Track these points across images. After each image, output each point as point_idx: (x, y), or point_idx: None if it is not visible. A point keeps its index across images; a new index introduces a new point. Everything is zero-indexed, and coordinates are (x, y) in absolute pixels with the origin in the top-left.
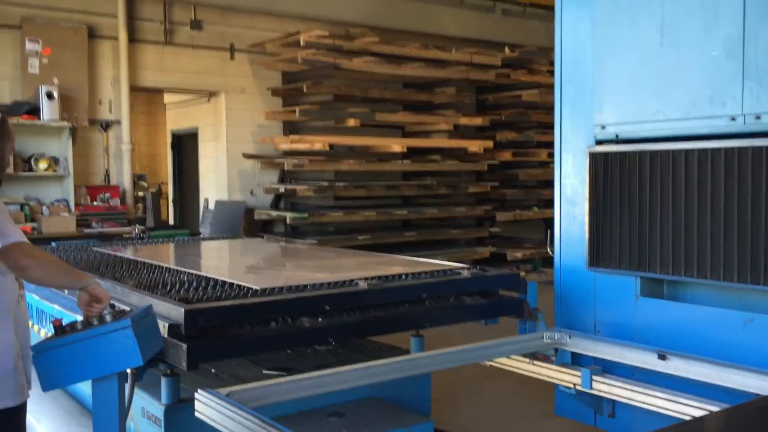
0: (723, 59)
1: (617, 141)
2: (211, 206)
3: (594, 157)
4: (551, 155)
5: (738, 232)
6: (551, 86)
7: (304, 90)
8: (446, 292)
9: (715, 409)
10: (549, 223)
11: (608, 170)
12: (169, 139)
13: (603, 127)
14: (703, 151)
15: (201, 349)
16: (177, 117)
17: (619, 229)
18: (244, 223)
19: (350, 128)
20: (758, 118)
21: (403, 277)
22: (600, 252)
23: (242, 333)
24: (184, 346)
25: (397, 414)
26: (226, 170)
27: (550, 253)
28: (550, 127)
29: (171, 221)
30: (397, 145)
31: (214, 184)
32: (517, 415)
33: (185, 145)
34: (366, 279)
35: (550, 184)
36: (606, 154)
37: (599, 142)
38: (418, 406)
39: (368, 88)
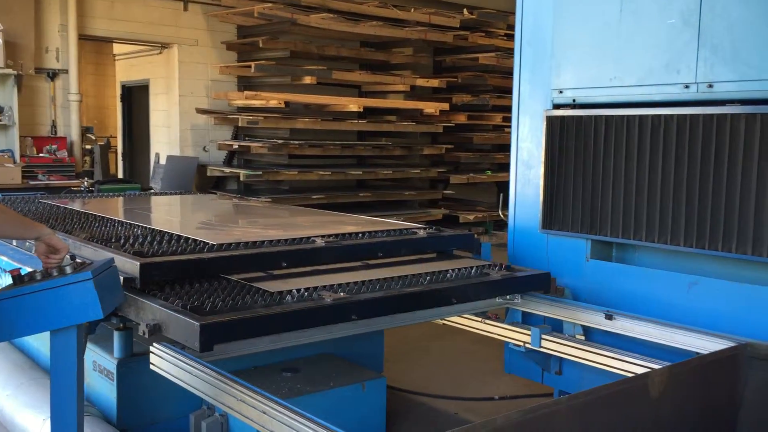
0: (679, 27)
1: (574, 105)
2: (162, 161)
3: (551, 121)
4: (506, 119)
5: (686, 197)
6: (508, 50)
7: (260, 45)
8: (403, 251)
9: (657, 367)
10: (501, 186)
11: (564, 134)
12: (118, 91)
13: (560, 92)
14: (657, 118)
15: (216, 329)
16: (127, 68)
17: (572, 193)
18: (196, 179)
19: (306, 86)
20: (711, 86)
21: (360, 235)
22: (553, 215)
23: (259, 311)
24: (197, 324)
25: (350, 370)
26: (178, 125)
27: (502, 216)
28: (505, 91)
29: (120, 175)
30: (353, 105)
31: (166, 139)
32: (467, 373)
33: (135, 98)
34: (323, 237)
35: (503, 148)
36: (563, 118)
37: (556, 106)
38: (371, 362)
39: (325, 46)
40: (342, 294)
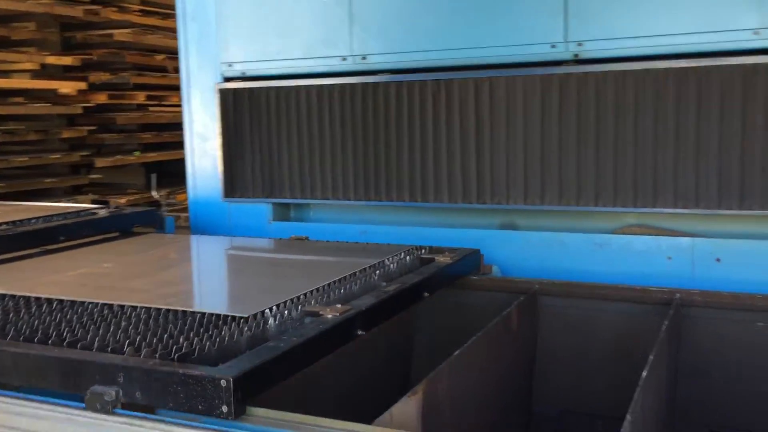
0: (333, 6)
1: (244, 78)
2: None
3: (223, 94)
4: (150, 98)
5: (352, 155)
6: (145, 26)
7: None
8: (85, 233)
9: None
10: (150, 167)
11: (238, 106)
12: None
13: (230, 65)
14: (321, 88)
15: (250, 382)
16: None
17: (251, 161)
18: None
19: None
20: (364, 58)
21: (34, 220)
22: (234, 183)
23: (279, 347)
24: (226, 380)
25: None
26: None
27: (156, 196)
28: (145, 68)
29: None
30: None
31: None
32: None
33: None
34: None
35: (149, 127)
36: (235, 91)
37: (227, 79)
38: None
39: None
40: (340, 306)
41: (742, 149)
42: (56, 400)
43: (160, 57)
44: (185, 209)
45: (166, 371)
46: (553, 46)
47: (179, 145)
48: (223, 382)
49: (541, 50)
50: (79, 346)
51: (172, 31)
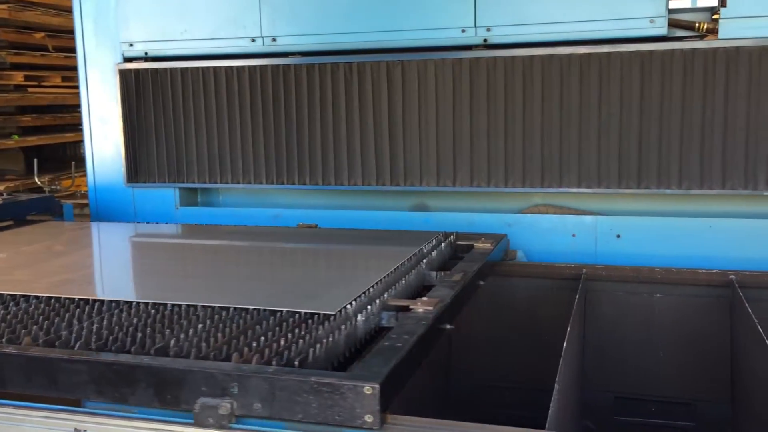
0: None
1: (147, 59)
2: None
3: (124, 75)
4: (28, 78)
5: (263, 139)
6: (22, 2)
7: None
8: None
9: None
10: (29, 151)
11: (141, 87)
12: None
13: (131, 45)
14: (230, 69)
15: (391, 387)
16: None
17: (156, 145)
18: None
19: None
20: (274, 40)
21: None
22: (138, 168)
23: (396, 345)
24: (372, 388)
25: None
26: None
27: (39, 183)
28: (23, 47)
29: None
30: None
31: None
32: None
33: None
34: None
35: (27, 109)
36: (137, 71)
37: (128, 59)
38: None
39: None
40: (426, 299)
41: (640, 131)
42: (156, 416)
43: (39, 35)
44: (70, 196)
45: (295, 380)
46: (463, 31)
47: (61, 128)
48: (367, 389)
49: (451, 34)
50: (171, 353)
51: (53, 8)
